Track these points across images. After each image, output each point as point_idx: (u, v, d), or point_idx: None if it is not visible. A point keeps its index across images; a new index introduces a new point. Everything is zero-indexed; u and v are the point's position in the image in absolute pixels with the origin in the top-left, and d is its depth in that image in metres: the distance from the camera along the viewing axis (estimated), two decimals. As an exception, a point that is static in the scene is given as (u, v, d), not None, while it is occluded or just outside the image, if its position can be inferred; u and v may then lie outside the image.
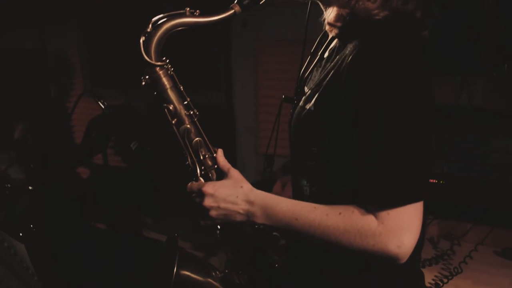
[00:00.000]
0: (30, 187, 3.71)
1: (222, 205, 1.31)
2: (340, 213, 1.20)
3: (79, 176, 4.45)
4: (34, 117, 4.13)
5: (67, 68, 4.60)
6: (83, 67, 4.51)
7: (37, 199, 3.78)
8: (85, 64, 4.51)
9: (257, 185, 1.38)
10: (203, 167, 1.41)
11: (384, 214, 1.15)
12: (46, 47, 4.59)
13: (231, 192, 1.32)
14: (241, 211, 1.31)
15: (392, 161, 1.14)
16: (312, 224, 1.23)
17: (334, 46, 1.38)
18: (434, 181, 2.35)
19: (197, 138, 1.41)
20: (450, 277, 2.04)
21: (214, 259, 2.47)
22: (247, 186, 1.34)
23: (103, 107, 3.01)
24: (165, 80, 1.38)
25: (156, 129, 2.85)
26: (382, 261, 1.17)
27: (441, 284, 2.00)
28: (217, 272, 1.43)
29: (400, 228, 1.14)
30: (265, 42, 3.43)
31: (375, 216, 1.16)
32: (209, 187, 1.33)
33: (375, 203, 1.17)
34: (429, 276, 2.08)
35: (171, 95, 1.39)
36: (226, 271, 1.44)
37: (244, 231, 1.40)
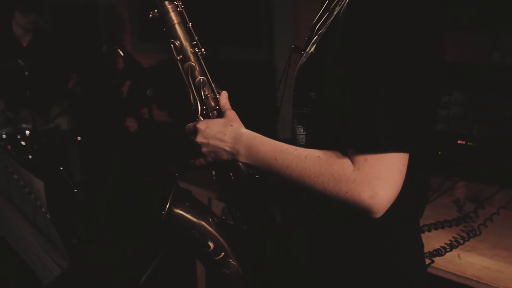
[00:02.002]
0: (78, 138, 3.88)
1: (212, 141, 1.33)
2: (318, 156, 1.18)
3: (125, 129, 4.60)
4: (85, 70, 4.28)
5: (116, 22, 4.71)
6: (132, 21, 4.60)
7: (85, 150, 3.95)
8: (134, 18, 4.59)
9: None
10: (204, 107, 1.42)
11: (361, 159, 1.10)
12: (96, 1, 4.70)
13: (221, 129, 1.34)
14: (227, 148, 1.32)
15: (378, 107, 1.09)
16: (290, 165, 1.21)
17: None
18: (462, 142, 2.30)
19: (200, 77, 1.41)
20: (467, 239, 2.01)
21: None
22: (237, 125, 1.35)
23: (122, 54, 3.08)
24: (173, 15, 1.39)
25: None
26: (356, 212, 1.12)
27: (457, 245, 1.97)
28: (214, 218, 1.46)
29: (376, 178, 1.08)
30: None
31: (352, 162, 1.11)
32: (202, 124, 1.35)
33: (354, 147, 1.12)
34: (446, 237, 2.05)
35: (179, 30, 1.40)
36: (223, 217, 1.47)
37: (240, 176, 1.40)
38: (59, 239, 1.39)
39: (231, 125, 1.35)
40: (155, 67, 4.11)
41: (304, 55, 1.35)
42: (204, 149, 1.35)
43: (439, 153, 2.35)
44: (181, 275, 3.23)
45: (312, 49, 1.29)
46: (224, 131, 1.34)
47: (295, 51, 1.80)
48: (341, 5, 1.22)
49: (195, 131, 1.36)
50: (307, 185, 1.19)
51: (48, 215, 1.54)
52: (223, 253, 1.42)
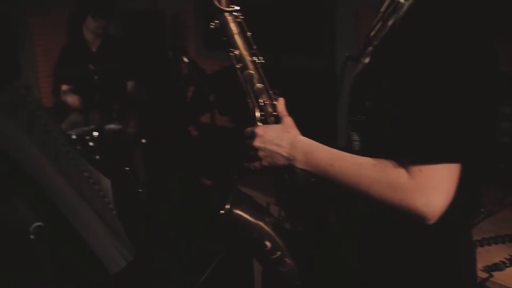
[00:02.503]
0: (143, 140, 4.01)
1: (269, 146, 1.38)
2: (374, 164, 1.22)
3: (188, 133, 4.72)
4: (150, 76, 4.43)
5: (182, 30, 4.85)
6: (196, 28, 4.72)
7: (149, 152, 4.08)
8: (199, 25, 4.71)
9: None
10: (262, 113, 1.48)
11: (416, 169, 1.14)
12: (162, 9, 4.85)
13: (278, 135, 1.38)
14: (284, 153, 1.37)
15: (433, 118, 1.13)
16: (346, 172, 1.26)
17: (395, 2, 1.37)
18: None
19: (259, 84, 1.47)
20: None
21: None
22: (294, 131, 1.41)
23: (186, 61, 3.17)
24: (232, 26, 1.46)
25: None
26: (410, 218, 1.16)
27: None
28: (271, 218, 1.50)
29: (430, 187, 1.13)
30: (369, 6, 3.40)
31: (407, 171, 1.16)
32: (260, 129, 1.40)
33: (409, 157, 1.16)
34: (507, 252, 2.00)
35: (238, 40, 1.46)
36: (280, 218, 1.51)
37: (297, 180, 1.45)
38: (125, 235, 1.47)
39: (288, 132, 1.40)
40: (218, 73, 4.21)
41: (360, 65, 1.39)
42: (261, 153, 1.40)
43: (502, 166, 2.31)
44: (238, 275, 3.28)
45: (367, 59, 1.33)
46: (282, 136, 1.39)
47: (349, 60, 1.82)
48: (396, 17, 1.26)
49: (253, 135, 1.41)
50: (362, 192, 1.24)
51: (114, 212, 1.63)
52: (279, 252, 1.47)
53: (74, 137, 3.74)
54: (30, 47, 4.76)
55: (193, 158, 4.35)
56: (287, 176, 1.46)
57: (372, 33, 1.50)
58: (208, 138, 4.27)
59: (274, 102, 1.49)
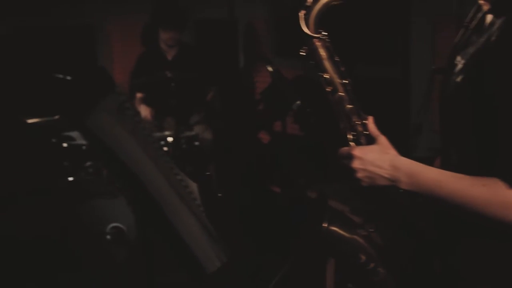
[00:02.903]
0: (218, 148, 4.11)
1: (369, 168, 1.39)
2: (484, 185, 1.25)
3: (259, 140, 4.77)
4: (223, 83, 4.51)
5: (255, 38, 4.92)
6: (270, 37, 4.79)
7: (221, 158, 4.16)
8: (272, 34, 4.77)
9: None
10: (354, 133, 1.50)
11: None
12: (236, 18, 4.94)
13: (378, 157, 1.40)
14: (386, 175, 1.38)
15: None
16: (457, 194, 1.29)
17: (485, 20, 1.39)
18: None
19: (349, 105, 1.50)
20: None
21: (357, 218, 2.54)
22: (393, 152, 1.43)
23: (271, 69, 3.22)
24: (321, 51, 1.50)
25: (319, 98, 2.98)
26: None
27: None
28: (363, 230, 1.52)
29: None
30: (445, 14, 3.37)
31: None
32: (358, 151, 1.42)
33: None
34: None
35: (327, 65, 1.50)
36: (371, 230, 1.53)
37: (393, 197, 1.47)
38: (218, 236, 1.53)
39: (387, 152, 1.43)
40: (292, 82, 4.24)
41: (451, 82, 1.41)
42: (359, 175, 1.41)
43: None
44: (308, 283, 3.29)
45: (459, 78, 1.36)
46: (382, 158, 1.41)
47: (436, 73, 1.82)
48: (489, 34, 1.26)
49: (350, 156, 1.43)
50: (473, 212, 1.28)
51: (204, 214, 1.68)
52: (373, 264, 1.49)
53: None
54: (108, 54, 4.95)
55: (263, 166, 4.40)
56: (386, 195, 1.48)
57: (458, 45, 1.51)
58: (278, 145, 4.31)
59: (364, 121, 1.52)
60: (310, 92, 4.14)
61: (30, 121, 3.69)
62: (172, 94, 3.78)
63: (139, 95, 4.36)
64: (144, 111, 4.30)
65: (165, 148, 3.81)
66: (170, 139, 3.80)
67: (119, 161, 1.30)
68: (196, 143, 3.89)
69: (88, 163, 3.76)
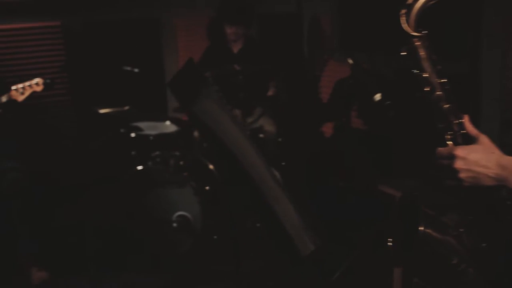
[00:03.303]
0: (279, 139, 4.13)
1: (473, 168, 1.39)
2: None
3: (321, 133, 4.78)
4: (287, 76, 4.53)
5: (320, 32, 4.92)
6: (334, 31, 4.77)
7: (286, 151, 4.18)
8: (336, 29, 4.76)
9: None
10: (451, 132, 1.50)
11: None
12: (302, 12, 4.95)
13: (483, 157, 1.40)
14: (492, 175, 1.39)
15: None
16: None
17: None
18: None
19: (446, 105, 1.50)
20: None
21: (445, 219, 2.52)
22: (498, 152, 1.43)
23: (351, 62, 3.21)
24: (421, 51, 1.50)
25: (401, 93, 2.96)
26: None
27: None
28: (453, 231, 1.52)
29: None
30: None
31: None
32: (461, 151, 1.42)
33: None
34: None
35: (426, 65, 1.51)
36: (461, 230, 1.52)
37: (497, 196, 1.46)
38: (311, 221, 1.56)
39: (493, 152, 1.43)
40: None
41: None
42: (463, 175, 1.42)
43: None
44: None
45: None
46: (487, 158, 1.41)
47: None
48: None
49: (452, 156, 1.43)
50: None
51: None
52: (464, 264, 1.49)
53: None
54: (174, 47, 5.05)
55: (326, 159, 4.40)
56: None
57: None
58: (341, 139, 4.30)
59: (460, 120, 1.51)
60: (389, 86, 4.13)
61: (101, 111, 3.80)
62: (239, 87, 3.82)
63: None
64: None
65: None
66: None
67: (221, 144, 1.35)
68: (261, 135, 3.92)
69: (156, 153, 3.85)
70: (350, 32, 4.62)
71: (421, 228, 1.52)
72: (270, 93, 4.38)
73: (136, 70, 4.12)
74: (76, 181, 4.53)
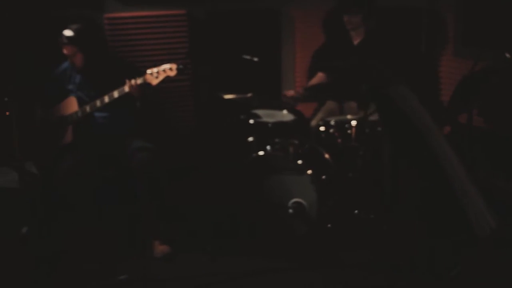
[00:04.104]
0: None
1: None
2: None
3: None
4: (406, 71, 4.48)
5: (440, 26, 4.82)
6: (456, 25, 4.66)
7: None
8: (459, 23, 4.65)
9: None
10: None
11: None
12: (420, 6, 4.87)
13: None
14: None
15: None
16: None
17: None
18: None
19: None
20: None
21: None
22: None
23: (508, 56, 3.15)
24: None
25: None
26: None
27: None
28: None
29: None
30: None
31: None
32: None
33: None
34: None
35: None
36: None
37: None
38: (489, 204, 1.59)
39: None
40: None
41: None
42: None
43: None
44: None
45: None
46: None
47: None
48: None
49: None
50: None
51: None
52: None
53: (332, 123, 3.98)
54: (291, 38, 5.14)
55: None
56: None
57: None
58: (462, 137, 4.22)
59: None
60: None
61: (226, 97, 3.96)
62: (359, 80, 3.85)
63: (320, 75, 4.50)
64: (317, 78, 4.42)
65: (349, 131, 3.91)
66: (354, 122, 3.89)
67: (413, 129, 1.41)
68: (379, 128, 3.94)
69: (276, 140, 3.96)
70: (473, 28, 4.50)
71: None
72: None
73: (255, 59, 4.25)
74: (195, 163, 4.75)
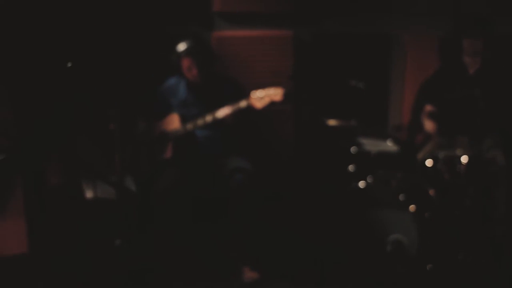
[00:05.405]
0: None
1: None
2: None
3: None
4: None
5: None
6: None
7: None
8: None
9: None
10: None
11: None
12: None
13: None
14: None
15: None
16: None
17: None
18: None
19: None
20: None
21: None
22: None
23: None
24: None
25: None
26: None
27: None
28: None
29: None
30: None
31: None
32: None
33: None
34: None
35: None
36: None
37: None
38: None
39: None
40: None
41: None
42: None
43: None
44: None
45: None
46: None
47: None
48: None
49: None
50: None
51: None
52: None
53: (441, 157, 3.72)
54: (401, 65, 4.93)
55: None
56: None
57: None
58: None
59: None
60: None
61: (330, 123, 3.83)
62: (477, 113, 3.58)
63: (428, 107, 4.25)
64: (429, 125, 4.19)
65: (458, 168, 3.64)
66: (464, 158, 3.61)
67: None
68: (494, 167, 3.64)
69: (378, 171, 3.78)
70: None
71: None
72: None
73: (361, 85, 4.08)
74: (292, 188, 4.64)
